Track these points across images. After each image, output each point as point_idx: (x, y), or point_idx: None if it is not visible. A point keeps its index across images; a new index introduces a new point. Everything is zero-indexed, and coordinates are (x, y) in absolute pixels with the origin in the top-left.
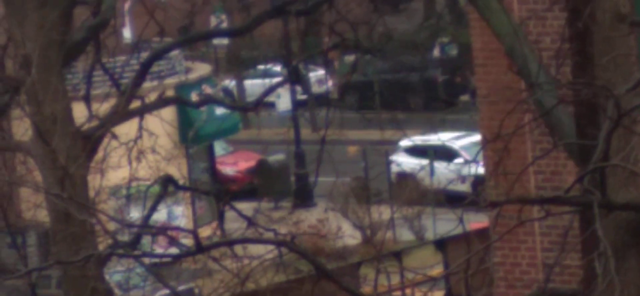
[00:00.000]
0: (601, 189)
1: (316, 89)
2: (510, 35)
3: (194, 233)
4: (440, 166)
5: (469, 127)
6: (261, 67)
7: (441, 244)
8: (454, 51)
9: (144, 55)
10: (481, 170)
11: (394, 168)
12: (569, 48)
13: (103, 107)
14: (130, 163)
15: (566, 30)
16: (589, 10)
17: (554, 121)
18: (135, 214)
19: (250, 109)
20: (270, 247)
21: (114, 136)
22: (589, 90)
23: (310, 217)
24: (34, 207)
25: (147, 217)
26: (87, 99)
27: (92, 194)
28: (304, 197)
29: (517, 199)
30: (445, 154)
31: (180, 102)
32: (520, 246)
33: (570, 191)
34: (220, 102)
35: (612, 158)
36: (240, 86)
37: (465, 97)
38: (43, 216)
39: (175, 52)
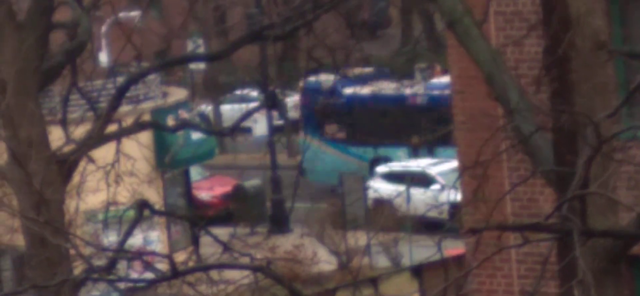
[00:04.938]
0: (581, 217)
1: (293, 114)
2: (490, 61)
3: (170, 258)
4: (417, 192)
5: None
6: (238, 92)
7: (417, 271)
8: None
9: (121, 79)
10: (458, 197)
11: (371, 194)
12: (548, 75)
13: (79, 131)
14: (108, 186)
15: (545, 56)
16: (568, 38)
17: (532, 147)
18: (112, 238)
19: (227, 134)
20: (246, 272)
21: (91, 160)
22: (569, 117)
23: (286, 242)
24: (10, 231)
25: (123, 241)
26: (63, 123)
27: (68, 219)
28: (279, 222)
29: (496, 226)
30: (422, 180)
31: (156, 126)
32: (496, 273)
33: (550, 218)
34: (196, 127)
35: (591, 184)
36: (217, 111)
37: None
38: (19, 240)
39: (152, 77)
